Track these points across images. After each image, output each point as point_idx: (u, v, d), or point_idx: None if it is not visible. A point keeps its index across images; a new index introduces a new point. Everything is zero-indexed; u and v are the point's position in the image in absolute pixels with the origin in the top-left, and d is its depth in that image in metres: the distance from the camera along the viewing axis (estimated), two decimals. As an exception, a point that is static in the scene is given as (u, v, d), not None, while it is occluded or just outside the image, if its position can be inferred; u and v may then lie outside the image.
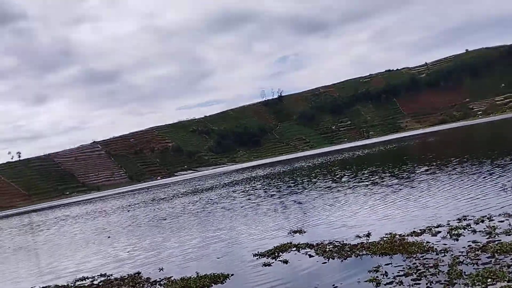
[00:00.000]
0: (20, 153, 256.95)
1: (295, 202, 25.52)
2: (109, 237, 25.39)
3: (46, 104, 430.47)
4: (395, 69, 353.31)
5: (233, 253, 14.62)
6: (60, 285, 14.23)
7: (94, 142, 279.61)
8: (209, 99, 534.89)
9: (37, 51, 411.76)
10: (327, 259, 11.53)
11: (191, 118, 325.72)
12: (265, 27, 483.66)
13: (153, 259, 16.13)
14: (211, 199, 38.39)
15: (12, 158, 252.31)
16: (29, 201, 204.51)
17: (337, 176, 38.02)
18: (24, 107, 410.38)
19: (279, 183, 42.72)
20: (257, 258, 12.94)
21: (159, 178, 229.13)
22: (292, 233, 15.89)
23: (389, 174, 31.19)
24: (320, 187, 30.84)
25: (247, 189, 42.76)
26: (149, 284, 12.25)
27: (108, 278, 14.09)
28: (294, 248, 13.25)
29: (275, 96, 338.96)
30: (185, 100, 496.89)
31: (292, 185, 37.94)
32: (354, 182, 30.02)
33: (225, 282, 11.07)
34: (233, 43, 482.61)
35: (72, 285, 13.93)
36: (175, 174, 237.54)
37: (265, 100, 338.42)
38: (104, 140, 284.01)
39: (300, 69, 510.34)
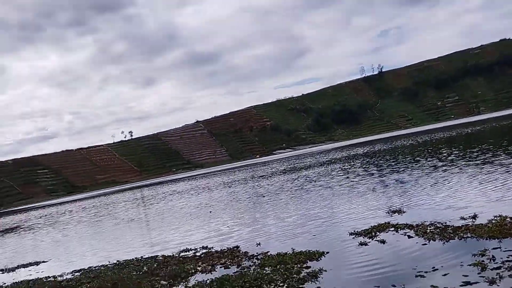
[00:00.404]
0: (132, 132, 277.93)
1: (395, 181, 24.68)
2: (210, 211, 26.65)
3: (154, 86, 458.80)
4: (510, 38, 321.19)
5: (329, 231, 14.61)
6: (166, 255, 15.29)
7: (197, 121, 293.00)
8: (306, 77, 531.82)
9: (145, 36, 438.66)
10: (427, 241, 11.08)
11: (289, 96, 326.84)
12: (365, 0, 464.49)
13: (251, 234, 16.68)
14: (309, 177, 38.49)
15: (125, 137, 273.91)
16: (140, 177, 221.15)
17: (443, 154, 35.95)
18: (134, 89, 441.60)
19: (380, 162, 41.51)
20: (354, 237, 12.82)
21: (257, 156, 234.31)
22: (391, 213, 15.46)
23: (503, 153, 28.79)
24: (424, 166, 29.44)
25: (345, 167, 42.17)
26: (247, 258, 12.71)
27: (209, 250, 14.88)
28: (393, 228, 12.91)
29: (375, 72, 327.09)
30: (283, 78, 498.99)
31: (393, 163, 36.67)
32: (463, 161, 28.22)
33: (320, 259, 11.14)
34: (331, 18, 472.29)
35: (177, 255, 14.90)
36: (273, 152, 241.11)
37: (364, 77, 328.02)
38: (206, 119, 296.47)
39: (402, 43, 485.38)
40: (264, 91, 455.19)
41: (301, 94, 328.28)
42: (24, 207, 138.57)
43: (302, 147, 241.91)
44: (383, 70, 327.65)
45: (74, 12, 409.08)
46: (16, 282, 15.50)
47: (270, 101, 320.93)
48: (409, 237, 11.74)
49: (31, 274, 16.92)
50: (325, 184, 30.07)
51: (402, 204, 16.97)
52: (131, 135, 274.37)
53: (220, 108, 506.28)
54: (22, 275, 17.19)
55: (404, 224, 13.13)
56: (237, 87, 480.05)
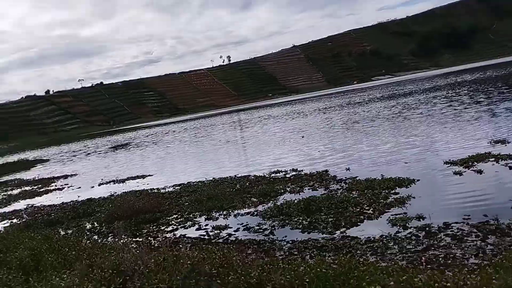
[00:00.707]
0: (230, 57, 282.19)
1: (505, 110, 22.84)
2: (303, 136, 26.97)
3: (252, 10, 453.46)
4: None
5: (423, 159, 14.19)
6: (258, 175, 15.97)
7: (294, 46, 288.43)
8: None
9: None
10: (531, 174, 10.32)
11: (392, 19, 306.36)
12: None
13: (342, 160, 16.74)
14: (408, 104, 36.97)
15: (223, 62, 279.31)
16: (237, 101, 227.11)
17: None
18: (232, 13, 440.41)
19: (490, 89, 38.38)
20: (448, 166, 12.36)
21: (355, 82, 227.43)
22: (494, 144, 14.52)
23: None
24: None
25: (450, 95, 39.70)
26: (335, 182, 12.90)
27: (299, 173, 15.26)
28: (493, 159, 12.18)
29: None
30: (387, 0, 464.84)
31: (505, 91, 33.71)
32: None
33: (410, 186, 10.97)
34: None
35: (268, 176, 15.50)
36: (372, 78, 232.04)
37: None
38: (303, 44, 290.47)
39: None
40: (365, 13, 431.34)
41: (405, 16, 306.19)
42: (132, 126, 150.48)
43: (404, 73, 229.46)
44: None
45: None
46: (125, 191, 17.29)
47: (371, 24, 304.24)
48: (510, 168, 11.03)
49: (138, 186, 18.74)
50: (426, 111, 28.73)
51: (508, 134, 15.78)
52: (229, 60, 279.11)
53: (318, 32, 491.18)
54: (131, 186, 19.10)
55: (506, 154, 12.28)
56: (336, 9, 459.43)
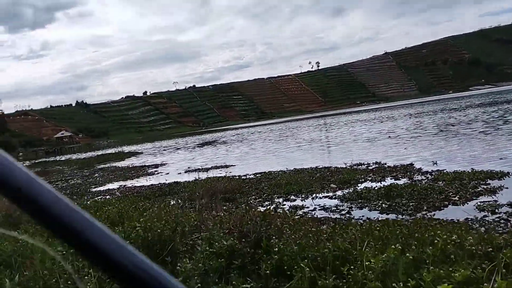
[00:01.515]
0: (318, 63, 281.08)
1: None
2: (389, 136, 26.13)
3: (343, 16, 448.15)
4: None
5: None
6: (339, 167, 15.75)
7: (385, 53, 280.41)
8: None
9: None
10: None
11: (496, 25, 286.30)
12: None
13: (429, 156, 16.00)
14: (511, 109, 34.36)
15: (312, 68, 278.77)
16: (324, 107, 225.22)
17: None
18: (323, 20, 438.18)
19: None
20: (550, 163, 11.28)
21: (450, 92, 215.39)
22: None
23: None
24: None
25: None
26: (420, 173, 12.37)
27: (382, 165, 14.82)
28: None
29: None
30: (490, 4, 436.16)
31: None
32: None
33: (503, 179, 10.19)
34: None
35: (349, 168, 15.24)
36: (470, 88, 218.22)
37: None
38: (395, 51, 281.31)
39: None
40: (465, 19, 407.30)
41: (510, 23, 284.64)
42: (221, 128, 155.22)
43: (506, 83, 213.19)
44: None
45: None
46: (208, 177, 17.92)
47: (471, 31, 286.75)
48: None
49: (221, 173, 19.31)
50: None
51: None
52: (318, 66, 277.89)
53: (412, 39, 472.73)
54: (215, 173, 19.74)
55: None
56: (433, 15, 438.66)
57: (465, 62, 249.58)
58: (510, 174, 10.49)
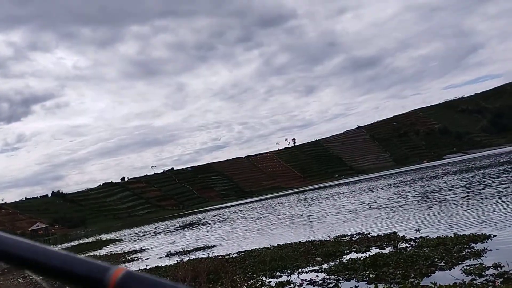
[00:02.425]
0: (295, 140, 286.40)
1: None
2: (370, 207, 26.19)
3: (315, 94, 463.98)
4: None
5: (501, 219, 13.25)
6: (323, 239, 15.58)
7: (358, 127, 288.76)
8: (479, 74, 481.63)
9: (306, 45, 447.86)
10: None
11: (459, 96, 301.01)
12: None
13: (412, 224, 16.06)
14: (488, 175, 35.17)
15: (288, 144, 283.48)
16: (303, 182, 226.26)
17: None
18: (296, 98, 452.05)
19: None
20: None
21: (425, 161, 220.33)
22: None
23: None
24: None
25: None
26: (404, 241, 12.32)
27: (366, 235, 14.73)
28: None
29: None
30: (452, 78, 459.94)
31: None
32: None
33: (486, 242, 10.22)
34: (508, 8, 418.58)
35: (333, 239, 15.09)
36: (443, 157, 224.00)
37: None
38: (368, 124, 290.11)
39: None
40: (431, 92, 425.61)
41: (473, 94, 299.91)
42: (201, 209, 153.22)
43: (477, 150, 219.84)
44: None
45: (241, 30, 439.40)
46: (190, 259, 17.41)
47: (437, 103, 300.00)
48: None
49: (203, 254, 18.81)
50: (508, 179, 27.14)
51: None
52: (294, 142, 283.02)
53: (383, 113, 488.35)
54: (197, 255, 19.22)
55: None
56: (400, 90, 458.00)
57: (436, 132, 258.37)
58: (492, 236, 10.55)
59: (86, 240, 61.09)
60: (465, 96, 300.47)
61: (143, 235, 48.40)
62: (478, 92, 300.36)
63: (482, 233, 10.90)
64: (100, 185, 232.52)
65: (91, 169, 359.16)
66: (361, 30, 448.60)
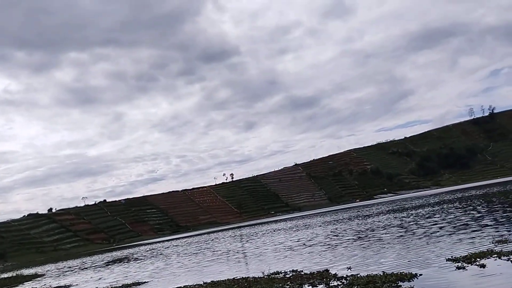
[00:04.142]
0: (233, 175, 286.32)
1: (507, 217, 22.73)
2: (304, 244, 26.50)
3: (255, 130, 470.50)
4: None
5: (426, 256, 13.91)
6: (257, 277, 15.52)
7: (295, 164, 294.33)
8: (409, 119, 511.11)
9: (248, 82, 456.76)
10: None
11: (391, 139, 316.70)
12: (473, 40, 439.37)
13: (344, 261, 16.38)
14: (421, 215, 36.78)
15: (226, 179, 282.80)
16: (240, 218, 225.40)
17: None
18: (236, 133, 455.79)
19: (495, 202, 38.41)
20: (451, 262, 12.10)
21: (358, 200, 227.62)
22: (496, 243, 14.31)
23: None
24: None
25: (460, 206, 39.71)
26: (336, 279, 12.53)
27: (299, 273, 14.85)
28: (495, 255, 11.94)
29: (486, 114, 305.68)
30: (384, 121, 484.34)
31: (507, 203, 33.74)
32: None
33: (413, 280, 10.66)
34: (436, 60, 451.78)
35: (267, 277, 15.07)
36: (374, 196, 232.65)
37: (473, 119, 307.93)
38: (304, 162, 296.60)
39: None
40: (364, 134, 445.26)
41: (403, 137, 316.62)
42: (133, 244, 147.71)
43: (406, 191, 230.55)
44: (495, 111, 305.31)
45: (184, 63, 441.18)
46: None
47: (370, 144, 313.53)
48: (513, 262, 10.81)
49: (134, 291, 18.08)
50: (439, 220, 28.54)
51: (509, 235, 15.62)
52: (232, 178, 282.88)
53: (319, 151, 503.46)
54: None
55: (509, 251, 12.11)
56: (336, 130, 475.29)
57: (368, 173, 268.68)
58: (418, 275, 11.01)
59: (4, 275, 56.71)
60: (396, 139, 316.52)
61: (68, 271, 45.78)
62: (408, 136, 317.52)
63: (409, 272, 11.34)
64: (24, 216, 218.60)
65: (15, 199, 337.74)
66: (301, 70, 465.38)
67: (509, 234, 16.54)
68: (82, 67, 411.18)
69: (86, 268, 44.30)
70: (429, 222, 27.36)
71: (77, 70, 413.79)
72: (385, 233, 25.25)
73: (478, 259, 11.83)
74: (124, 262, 43.99)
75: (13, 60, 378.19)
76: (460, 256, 12.55)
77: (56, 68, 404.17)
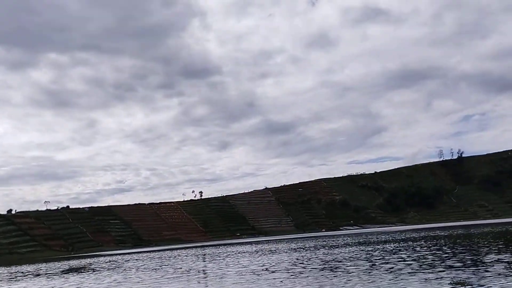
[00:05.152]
0: (202, 193, 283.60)
1: (471, 259, 23.00)
2: (267, 269, 26.15)
3: (228, 150, 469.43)
4: None
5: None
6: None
7: (266, 188, 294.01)
8: (381, 155, 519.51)
9: (226, 102, 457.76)
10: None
11: (361, 173, 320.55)
12: (448, 84, 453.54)
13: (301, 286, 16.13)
14: (387, 250, 36.89)
15: (195, 197, 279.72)
16: (204, 237, 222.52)
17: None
18: (209, 152, 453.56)
19: (461, 243, 39.00)
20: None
21: (323, 230, 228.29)
22: (454, 284, 14.37)
23: None
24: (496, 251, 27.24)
25: (427, 244, 40.12)
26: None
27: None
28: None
29: (455, 157, 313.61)
30: (356, 154, 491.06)
31: (472, 245, 34.28)
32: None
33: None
34: (411, 99, 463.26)
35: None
36: (340, 228, 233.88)
37: (442, 160, 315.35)
38: (275, 187, 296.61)
39: (486, 129, 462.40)
40: (336, 165, 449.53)
41: (373, 172, 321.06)
42: (93, 254, 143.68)
43: (371, 226, 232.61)
44: (463, 155, 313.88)
45: (164, 76, 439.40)
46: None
47: (341, 176, 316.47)
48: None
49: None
50: (406, 256, 28.69)
51: (468, 277, 15.75)
52: (201, 195, 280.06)
53: (290, 178, 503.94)
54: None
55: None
56: (309, 158, 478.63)
57: (336, 203, 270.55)
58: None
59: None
60: (366, 173, 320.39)
61: (20, 276, 43.91)
62: (378, 171, 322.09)
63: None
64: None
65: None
66: (280, 96, 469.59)
67: (469, 277, 16.70)
68: (60, 69, 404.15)
69: (39, 275, 42.62)
70: (395, 258, 27.45)
71: (55, 71, 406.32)
72: (352, 265, 25.17)
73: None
74: (80, 272, 42.56)
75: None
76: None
77: (34, 68, 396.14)
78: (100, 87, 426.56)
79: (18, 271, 56.22)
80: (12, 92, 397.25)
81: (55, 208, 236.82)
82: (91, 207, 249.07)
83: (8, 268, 71.54)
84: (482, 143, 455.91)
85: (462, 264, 22.06)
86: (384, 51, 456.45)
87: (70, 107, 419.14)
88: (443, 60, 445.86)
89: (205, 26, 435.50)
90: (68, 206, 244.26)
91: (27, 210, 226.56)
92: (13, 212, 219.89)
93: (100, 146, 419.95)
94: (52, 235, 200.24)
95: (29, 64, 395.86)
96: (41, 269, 54.74)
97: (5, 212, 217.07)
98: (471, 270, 18.78)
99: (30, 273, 48.79)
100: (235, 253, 54.91)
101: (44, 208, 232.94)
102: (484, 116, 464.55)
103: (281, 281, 19.27)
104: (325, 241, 75.64)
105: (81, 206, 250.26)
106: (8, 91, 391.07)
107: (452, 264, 22.13)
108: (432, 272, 19.26)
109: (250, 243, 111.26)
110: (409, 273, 19.69)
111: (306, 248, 52.03)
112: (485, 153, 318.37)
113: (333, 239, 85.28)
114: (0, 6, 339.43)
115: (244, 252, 55.36)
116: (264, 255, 44.78)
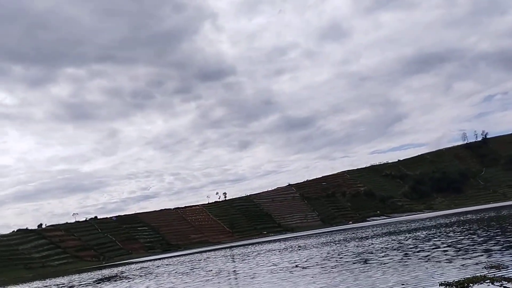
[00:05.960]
0: (226, 194, 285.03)
1: (503, 243, 22.83)
2: (298, 265, 26.38)
3: (249, 150, 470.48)
4: None
5: (420, 282, 13.91)
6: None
7: (289, 185, 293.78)
8: (403, 142, 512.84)
9: (243, 102, 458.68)
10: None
11: (384, 162, 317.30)
12: (467, 65, 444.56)
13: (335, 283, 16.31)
14: (418, 238, 36.75)
15: (219, 198, 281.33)
16: (231, 238, 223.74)
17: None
18: (230, 152, 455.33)
19: (490, 227, 38.56)
20: (444, 287, 12.10)
21: (350, 222, 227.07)
22: (489, 268, 14.39)
23: None
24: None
25: (461, 229, 39.81)
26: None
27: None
28: (488, 281, 12.02)
29: (479, 139, 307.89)
30: (378, 144, 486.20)
31: (505, 229, 33.90)
32: None
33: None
34: (430, 84, 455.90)
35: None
36: (367, 219, 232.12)
37: (467, 143, 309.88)
38: (298, 183, 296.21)
39: (509, 108, 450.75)
40: (358, 156, 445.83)
41: (397, 160, 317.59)
42: (123, 262, 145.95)
43: (398, 214, 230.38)
44: (488, 136, 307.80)
45: (180, 81, 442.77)
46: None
47: (364, 166, 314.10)
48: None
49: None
50: (439, 243, 28.57)
51: (503, 261, 15.72)
52: (225, 197, 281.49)
53: (313, 172, 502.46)
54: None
55: (501, 277, 12.21)
56: (330, 151, 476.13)
57: (361, 195, 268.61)
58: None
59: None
60: (389, 162, 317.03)
61: (57, 288, 45.10)
62: (401, 159, 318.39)
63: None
64: (13, 231, 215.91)
65: (5, 214, 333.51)
66: (297, 91, 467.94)
67: (505, 261, 16.62)
68: (78, 83, 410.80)
69: (73, 287, 43.69)
70: (429, 246, 27.39)
71: (73, 85, 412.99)
72: (384, 257, 25.20)
73: (471, 285, 11.90)
74: (113, 281, 43.44)
75: (10, 74, 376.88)
76: (454, 281, 12.61)
77: (53, 83, 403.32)
78: (119, 97, 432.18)
79: (52, 284, 57.66)
80: (34, 108, 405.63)
81: (84, 219, 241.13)
82: (119, 216, 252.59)
83: (43, 281, 73.33)
84: (506, 122, 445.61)
85: (500, 247, 21.94)
86: (399, 37, 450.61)
87: (91, 119, 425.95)
88: (460, 41, 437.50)
89: (217, 27, 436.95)
90: (96, 217, 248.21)
91: (57, 223, 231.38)
92: (43, 226, 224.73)
93: (123, 155, 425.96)
94: (83, 246, 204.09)
95: (48, 80, 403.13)
96: (74, 281, 56.07)
97: (35, 227, 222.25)
98: (510, 252, 18.73)
99: (64, 285, 50.01)
100: (264, 252, 55.20)
101: (73, 220, 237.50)
102: (507, 95, 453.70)
103: (317, 277, 19.41)
104: (353, 233, 75.33)
105: (108, 216, 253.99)
106: (29, 108, 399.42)
107: (489, 248, 22.05)
108: (470, 258, 19.23)
109: (278, 240, 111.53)
110: (447, 260, 19.69)
111: (335, 242, 51.99)
112: (510, 133, 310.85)
113: (361, 230, 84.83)
114: (16, 26, 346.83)
115: (273, 250, 55.63)
116: (293, 251, 44.98)
